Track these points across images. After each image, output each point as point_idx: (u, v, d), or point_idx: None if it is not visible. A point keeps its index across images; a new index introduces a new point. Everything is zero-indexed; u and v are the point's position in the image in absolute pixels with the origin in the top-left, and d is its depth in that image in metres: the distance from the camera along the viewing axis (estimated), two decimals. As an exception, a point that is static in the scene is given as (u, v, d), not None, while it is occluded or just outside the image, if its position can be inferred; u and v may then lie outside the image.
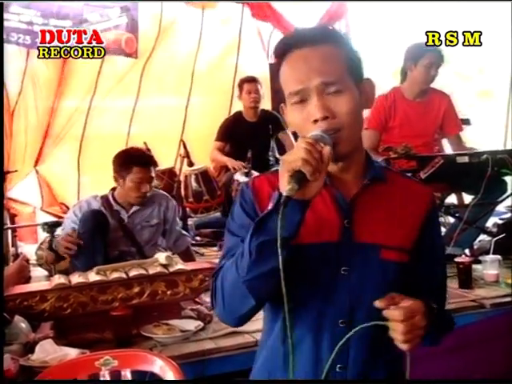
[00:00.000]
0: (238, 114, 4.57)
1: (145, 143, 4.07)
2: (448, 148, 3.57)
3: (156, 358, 1.61)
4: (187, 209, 4.33)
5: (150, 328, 2.13)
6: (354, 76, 1.11)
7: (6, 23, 5.26)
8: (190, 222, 4.30)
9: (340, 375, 1.09)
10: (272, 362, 1.14)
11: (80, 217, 2.81)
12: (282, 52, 1.11)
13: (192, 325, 2.16)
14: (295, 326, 1.07)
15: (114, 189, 2.98)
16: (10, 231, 4.29)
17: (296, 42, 1.10)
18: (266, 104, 4.82)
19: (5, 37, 5.24)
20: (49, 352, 1.89)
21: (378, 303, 1.02)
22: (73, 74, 5.74)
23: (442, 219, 4.38)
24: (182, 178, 4.51)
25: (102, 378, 1.57)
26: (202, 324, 2.21)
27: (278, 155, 4.48)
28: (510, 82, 6.03)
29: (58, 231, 2.80)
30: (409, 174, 2.69)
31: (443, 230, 3.85)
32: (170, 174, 4.67)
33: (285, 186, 0.96)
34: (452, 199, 3.66)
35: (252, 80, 4.44)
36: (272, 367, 1.14)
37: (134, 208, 2.94)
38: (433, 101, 3.42)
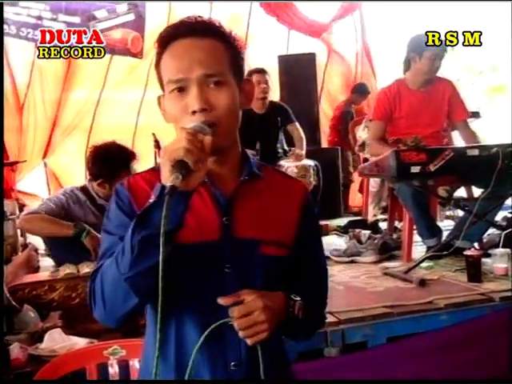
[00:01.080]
0: (247, 106, 4.55)
1: (153, 134, 4.07)
2: (457, 141, 3.54)
3: (164, 347, 1.61)
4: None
5: (157, 318, 2.13)
6: (235, 73, 1.11)
7: (16, 17, 5.29)
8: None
9: (235, 373, 1.07)
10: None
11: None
12: (166, 40, 1.10)
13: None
14: (185, 325, 1.07)
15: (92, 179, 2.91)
16: (19, 222, 4.31)
17: (181, 31, 1.09)
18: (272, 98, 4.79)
19: (15, 32, 5.28)
20: (57, 341, 1.90)
21: (220, 300, 1.03)
22: (81, 67, 5.76)
23: (450, 212, 4.38)
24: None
25: (110, 368, 1.57)
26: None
27: (286, 147, 4.47)
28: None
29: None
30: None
31: (452, 223, 3.83)
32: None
33: (168, 177, 0.94)
34: (461, 192, 3.64)
35: (261, 71, 4.42)
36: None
37: None
38: (437, 89, 3.41)
